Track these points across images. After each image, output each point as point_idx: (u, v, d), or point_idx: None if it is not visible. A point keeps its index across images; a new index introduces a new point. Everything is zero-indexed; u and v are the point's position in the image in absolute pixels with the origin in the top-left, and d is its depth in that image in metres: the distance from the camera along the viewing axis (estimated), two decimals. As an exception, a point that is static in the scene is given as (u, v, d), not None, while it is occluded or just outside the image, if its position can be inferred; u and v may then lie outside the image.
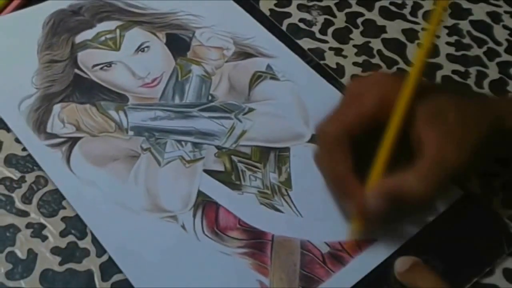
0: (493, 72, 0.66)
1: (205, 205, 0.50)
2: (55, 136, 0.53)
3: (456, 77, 0.65)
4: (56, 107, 0.55)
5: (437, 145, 0.45)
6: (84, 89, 0.57)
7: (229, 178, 0.53)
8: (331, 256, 0.49)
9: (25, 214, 0.49)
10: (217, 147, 0.54)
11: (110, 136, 0.54)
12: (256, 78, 0.60)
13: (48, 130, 0.53)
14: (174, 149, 0.53)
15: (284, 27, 0.67)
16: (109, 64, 0.59)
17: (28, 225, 0.49)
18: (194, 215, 0.50)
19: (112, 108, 0.55)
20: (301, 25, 0.68)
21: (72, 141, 0.53)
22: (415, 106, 0.47)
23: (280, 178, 0.53)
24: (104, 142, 0.53)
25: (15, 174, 0.52)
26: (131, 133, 0.54)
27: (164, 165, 0.52)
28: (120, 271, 0.46)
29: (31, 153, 0.52)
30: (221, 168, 0.53)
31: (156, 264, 0.47)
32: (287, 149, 0.55)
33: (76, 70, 0.58)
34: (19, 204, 0.50)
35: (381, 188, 0.46)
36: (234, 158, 0.54)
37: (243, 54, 0.62)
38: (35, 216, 0.49)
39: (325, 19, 0.68)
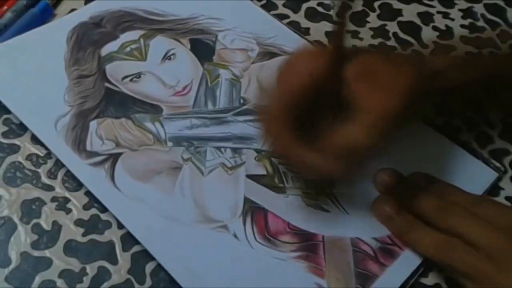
0: (505, 54, 0.67)
1: (253, 211, 0.51)
2: (96, 154, 0.53)
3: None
4: (93, 124, 0.55)
5: (370, 97, 0.47)
6: (117, 103, 0.56)
7: (272, 182, 0.53)
8: (382, 250, 0.50)
9: (50, 188, 0.52)
10: (256, 150, 0.55)
11: (150, 149, 0.54)
12: (284, 77, 0.60)
13: (88, 148, 0.53)
14: (214, 157, 0.54)
15: (302, 11, 0.68)
16: (138, 75, 0.58)
17: (53, 199, 0.51)
18: (244, 223, 0.50)
19: (147, 120, 0.55)
20: (320, 9, 0.69)
21: (114, 158, 0.53)
22: (346, 69, 0.48)
23: (322, 176, 0.54)
24: (145, 155, 0.53)
25: (41, 151, 0.54)
26: (170, 144, 0.54)
27: (207, 174, 0.53)
28: (139, 242, 0.48)
29: (75, 174, 0.51)
30: (263, 172, 0.53)
31: (213, 276, 0.47)
32: (324, 146, 0.55)
33: (107, 84, 0.58)
34: (44, 179, 0.52)
35: (328, 146, 0.47)
36: (274, 160, 0.54)
37: (268, 54, 0.62)
38: (60, 191, 0.51)
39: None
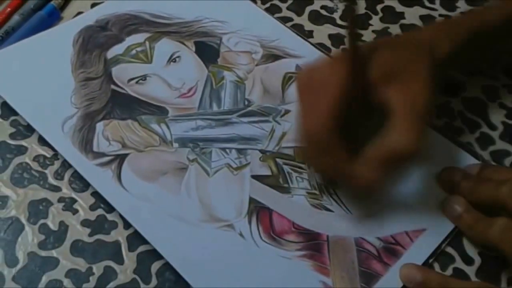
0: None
1: (258, 211, 0.51)
2: (102, 154, 0.53)
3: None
4: (99, 125, 0.55)
5: (401, 96, 0.47)
6: (123, 105, 0.57)
7: (277, 182, 0.53)
8: (385, 250, 0.50)
9: (57, 189, 0.52)
10: (261, 151, 0.55)
11: (156, 150, 0.54)
12: (288, 79, 0.61)
13: (95, 149, 0.54)
14: (220, 158, 0.54)
15: (306, 14, 0.69)
16: (144, 78, 0.59)
17: (60, 199, 0.52)
18: (250, 222, 0.51)
19: (153, 122, 0.56)
20: (323, 11, 0.69)
21: (120, 158, 0.53)
22: (366, 75, 0.48)
23: (326, 177, 0.54)
24: (151, 156, 0.54)
25: (48, 152, 0.54)
26: (176, 145, 0.55)
27: (212, 174, 0.53)
28: (145, 242, 0.49)
29: (82, 174, 0.52)
30: (268, 172, 0.54)
31: (220, 274, 0.48)
32: (328, 147, 0.56)
33: (113, 86, 0.58)
34: (51, 180, 0.53)
35: (373, 160, 0.47)
36: (279, 160, 0.55)
37: (272, 56, 0.63)
38: (66, 191, 0.52)
39: (346, 6, 0.69)
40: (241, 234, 0.50)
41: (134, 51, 0.61)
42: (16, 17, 0.64)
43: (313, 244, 0.50)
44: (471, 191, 0.51)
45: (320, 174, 0.54)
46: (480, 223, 0.50)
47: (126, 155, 0.54)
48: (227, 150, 0.55)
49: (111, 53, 0.61)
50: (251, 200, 0.52)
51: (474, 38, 0.53)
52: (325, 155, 0.48)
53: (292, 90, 0.60)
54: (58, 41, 0.62)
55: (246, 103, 0.59)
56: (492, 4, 0.56)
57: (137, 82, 0.59)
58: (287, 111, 0.58)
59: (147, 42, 0.62)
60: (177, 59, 0.61)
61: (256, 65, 0.62)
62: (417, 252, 0.50)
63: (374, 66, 0.48)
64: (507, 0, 0.55)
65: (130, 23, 0.63)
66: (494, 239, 0.48)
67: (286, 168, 0.54)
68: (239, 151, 0.55)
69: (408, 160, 0.47)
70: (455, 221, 0.51)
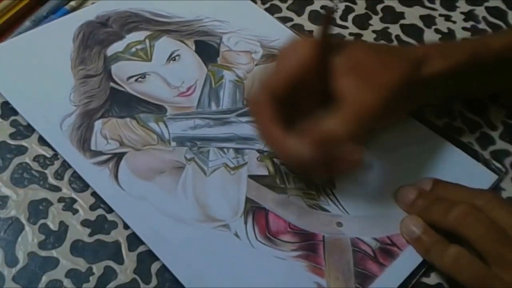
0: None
1: (254, 211, 0.51)
2: (100, 153, 0.54)
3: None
4: (97, 123, 0.55)
5: (354, 91, 0.48)
6: (122, 103, 0.57)
7: (274, 182, 0.54)
8: (382, 251, 0.51)
9: (57, 189, 0.52)
10: (259, 151, 0.55)
11: (154, 149, 0.54)
12: (287, 79, 0.60)
13: (93, 147, 0.54)
14: (217, 157, 0.54)
15: (306, 14, 0.69)
16: (143, 76, 0.59)
17: (60, 199, 0.52)
18: (246, 222, 0.51)
19: (152, 120, 0.56)
20: (323, 11, 0.69)
21: (118, 157, 0.53)
22: (332, 61, 0.49)
23: (323, 177, 0.54)
24: (149, 155, 0.54)
25: (48, 152, 0.54)
26: (173, 144, 0.55)
27: (209, 174, 0.53)
28: (145, 242, 0.49)
29: (79, 173, 0.52)
30: (265, 172, 0.54)
31: (215, 274, 0.48)
32: (324, 147, 0.56)
33: (112, 84, 0.58)
34: (51, 180, 0.53)
35: (307, 137, 0.47)
36: (277, 160, 0.55)
37: (272, 56, 0.63)
38: (66, 191, 0.52)
39: (346, 6, 0.70)
40: (236, 235, 0.50)
41: (134, 49, 0.61)
42: (27, 24, 0.64)
43: (308, 244, 0.50)
44: (426, 210, 0.51)
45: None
46: (436, 247, 0.49)
47: (123, 153, 0.54)
48: (225, 150, 0.55)
49: (111, 50, 0.61)
50: (248, 200, 0.52)
51: (473, 62, 0.52)
52: (263, 118, 0.49)
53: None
54: (58, 36, 0.62)
55: (245, 102, 0.58)
56: (498, 31, 0.56)
57: (136, 80, 0.59)
58: (285, 111, 0.58)
59: (147, 40, 0.62)
60: (176, 57, 0.61)
61: (256, 64, 0.62)
62: (413, 253, 0.50)
63: (343, 57, 0.49)
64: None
65: (131, 21, 0.63)
66: (447, 268, 0.48)
67: (283, 168, 0.54)
68: (237, 150, 0.55)
69: (338, 145, 0.47)
70: (414, 243, 0.50)
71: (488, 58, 0.53)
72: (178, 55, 0.61)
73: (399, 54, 0.51)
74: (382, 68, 0.49)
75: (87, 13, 0.64)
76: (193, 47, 0.62)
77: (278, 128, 0.47)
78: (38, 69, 0.59)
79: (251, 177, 0.53)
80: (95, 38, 0.62)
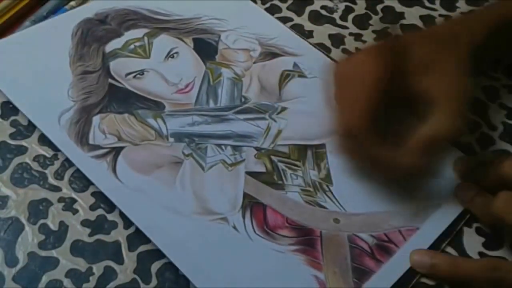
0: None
1: (252, 206, 0.52)
2: (98, 147, 0.54)
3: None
4: (96, 119, 0.55)
5: (439, 84, 0.49)
6: (120, 99, 0.57)
7: (272, 179, 0.54)
8: (379, 247, 0.51)
9: (57, 189, 0.52)
10: (256, 148, 0.55)
11: (152, 144, 0.54)
12: (285, 77, 0.61)
13: (91, 141, 0.54)
14: (215, 153, 0.54)
15: (306, 14, 0.69)
16: (142, 72, 0.59)
17: (60, 199, 0.52)
18: (244, 216, 0.51)
19: (150, 116, 0.56)
20: (323, 12, 0.69)
21: (116, 151, 0.53)
22: (404, 65, 0.50)
23: (320, 174, 0.55)
24: (147, 150, 0.54)
25: (48, 152, 0.54)
26: (171, 139, 0.55)
27: (207, 169, 0.53)
28: (145, 242, 0.49)
29: (78, 166, 0.52)
30: (263, 169, 0.54)
31: (214, 264, 0.48)
32: (323, 145, 0.56)
33: (110, 80, 0.58)
34: (51, 180, 0.53)
35: (418, 147, 0.48)
36: (274, 158, 0.55)
37: (270, 54, 0.63)
38: (66, 191, 0.52)
39: (346, 6, 0.70)
40: (235, 227, 0.50)
41: (132, 46, 0.61)
42: (27, 24, 0.64)
43: (306, 239, 0.50)
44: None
45: (360, 166, 0.54)
46: (483, 194, 0.51)
47: (121, 148, 0.54)
48: (223, 147, 0.55)
49: (110, 47, 0.61)
50: (245, 195, 0.52)
51: (504, 25, 0.54)
52: (365, 148, 0.49)
53: (289, 88, 0.60)
54: (57, 33, 0.62)
55: (243, 100, 0.59)
56: None
57: (134, 77, 0.59)
58: (283, 109, 0.58)
59: (145, 38, 0.62)
60: (175, 55, 0.61)
61: (254, 62, 0.62)
62: (410, 251, 0.50)
63: (413, 57, 0.50)
64: None
65: (129, 18, 0.63)
66: (499, 210, 0.48)
67: (280, 165, 0.54)
68: (234, 147, 0.55)
69: (450, 140, 0.49)
70: (468, 206, 0.52)
71: None
72: (176, 52, 0.61)
73: (447, 38, 0.52)
74: (445, 56, 0.50)
75: (85, 11, 0.64)
76: (192, 45, 0.62)
77: (382, 147, 0.48)
78: (36, 65, 0.59)
79: (248, 173, 0.54)
80: (94, 35, 0.62)
